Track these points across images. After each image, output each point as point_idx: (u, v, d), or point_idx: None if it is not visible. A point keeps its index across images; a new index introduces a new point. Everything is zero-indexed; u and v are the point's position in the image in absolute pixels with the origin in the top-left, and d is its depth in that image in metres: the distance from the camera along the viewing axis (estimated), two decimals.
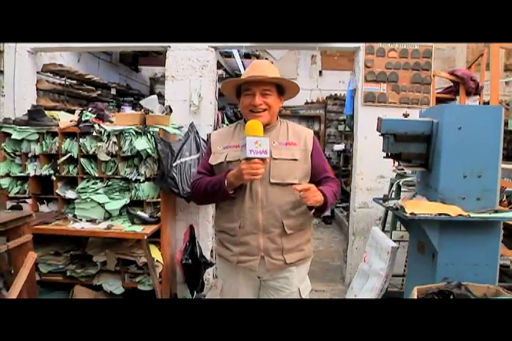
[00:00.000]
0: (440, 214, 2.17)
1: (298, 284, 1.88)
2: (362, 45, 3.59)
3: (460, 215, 2.17)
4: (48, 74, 4.23)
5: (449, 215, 2.15)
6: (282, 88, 1.83)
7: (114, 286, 3.40)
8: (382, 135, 2.35)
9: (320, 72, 8.72)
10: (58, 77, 4.37)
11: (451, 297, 2.07)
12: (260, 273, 1.83)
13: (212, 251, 3.80)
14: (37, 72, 4.04)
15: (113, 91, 5.31)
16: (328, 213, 7.11)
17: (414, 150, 2.36)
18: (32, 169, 3.42)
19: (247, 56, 6.19)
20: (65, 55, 4.65)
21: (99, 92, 4.84)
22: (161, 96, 7.72)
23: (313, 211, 1.77)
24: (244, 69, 6.90)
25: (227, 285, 1.93)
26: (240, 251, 1.79)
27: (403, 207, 2.28)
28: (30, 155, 3.42)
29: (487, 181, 2.28)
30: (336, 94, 8.39)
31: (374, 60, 3.58)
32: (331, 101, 8.48)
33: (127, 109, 3.83)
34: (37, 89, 4.05)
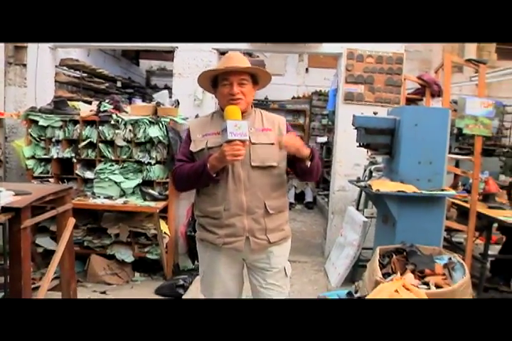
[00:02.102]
0: (399, 191, 2.79)
1: (283, 263, 1.99)
2: (344, 51, 4.18)
3: (414, 192, 2.79)
4: (64, 67, 4.71)
5: (405, 192, 2.77)
6: (256, 78, 1.91)
7: (125, 255, 3.93)
8: (355, 128, 2.96)
9: (306, 69, 9.30)
10: (72, 71, 4.86)
11: (404, 253, 2.70)
12: (245, 254, 1.90)
13: None
14: (55, 66, 4.53)
15: (118, 84, 5.80)
16: (310, 199, 7.75)
17: (380, 141, 2.98)
18: (55, 152, 3.93)
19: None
20: (77, 49, 5.12)
21: (107, 85, 5.33)
22: (156, 88, 8.21)
23: (308, 164, 1.83)
24: None
25: (210, 270, 1.96)
26: (226, 233, 1.84)
27: (370, 185, 2.89)
28: (54, 140, 3.92)
29: (436, 167, 2.92)
30: (320, 90, 8.97)
31: (354, 65, 4.18)
32: (316, 97, 9.07)
33: (138, 101, 4.35)
34: (55, 81, 4.53)
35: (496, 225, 3.91)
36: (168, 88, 8.12)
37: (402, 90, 4.19)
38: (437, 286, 2.45)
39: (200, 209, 1.94)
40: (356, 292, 2.78)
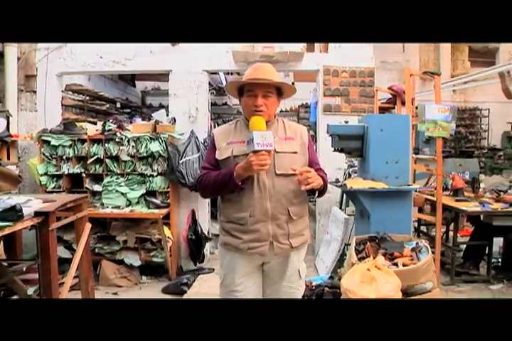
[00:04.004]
0: (370, 188, 3.24)
1: (298, 266, 2.03)
2: (321, 68, 4.67)
3: (383, 188, 3.24)
4: (69, 92, 5.18)
5: (375, 188, 3.22)
6: (281, 90, 1.96)
7: (133, 260, 4.33)
8: (330, 135, 3.42)
9: (292, 83, 9.78)
10: (76, 94, 5.33)
11: (377, 241, 3.14)
12: (267, 258, 1.94)
13: (208, 231, 4.79)
14: (61, 91, 4.99)
15: (118, 105, 6.28)
16: None
17: (352, 145, 3.44)
18: (66, 168, 4.35)
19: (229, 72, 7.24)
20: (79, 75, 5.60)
21: (107, 106, 5.81)
22: (151, 107, 8.66)
23: (316, 195, 1.96)
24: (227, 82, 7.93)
25: (232, 273, 1.99)
26: (250, 239, 1.89)
27: (346, 184, 3.34)
28: (64, 157, 4.36)
29: (402, 165, 3.38)
30: (306, 103, 9.45)
31: (330, 79, 4.67)
32: (303, 109, 9.59)
33: (138, 120, 4.81)
34: (61, 105, 4.99)
35: (465, 218, 4.38)
36: (163, 106, 8.63)
37: (375, 100, 4.67)
38: (405, 266, 2.88)
39: (225, 215, 1.99)
40: (339, 278, 3.22)
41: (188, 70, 4.65)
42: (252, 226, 1.88)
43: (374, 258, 2.87)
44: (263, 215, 1.87)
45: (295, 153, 1.93)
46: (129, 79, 7.41)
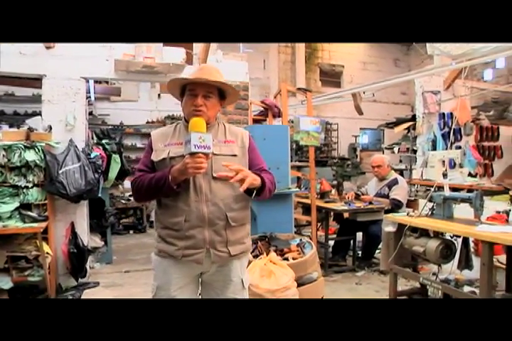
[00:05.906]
0: None
1: (241, 275, 1.94)
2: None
3: None
4: None
5: None
6: (224, 92, 1.92)
7: (3, 282, 3.89)
8: None
9: (159, 95, 9.80)
10: None
11: (266, 239, 3.45)
12: (205, 267, 1.86)
13: (88, 244, 4.59)
14: None
15: None
16: None
17: None
18: None
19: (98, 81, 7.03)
20: None
21: None
22: (4, 114, 7.85)
23: (254, 194, 1.85)
24: (95, 92, 7.62)
25: (165, 284, 1.88)
26: (186, 245, 1.81)
27: None
28: None
29: (283, 171, 3.78)
30: (173, 115, 9.54)
31: None
32: (169, 121, 9.58)
33: (5, 128, 4.39)
34: None
35: (331, 217, 5.00)
36: (18, 114, 7.86)
37: (249, 112, 5.07)
38: (294, 259, 3.25)
39: (161, 221, 1.91)
40: None
41: (65, 76, 4.42)
42: (187, 232, 1.80)
43: (267, 254, 3.17)
44: (199, 220, 1.80)
45: (234, 156, 1.88)
46: None
